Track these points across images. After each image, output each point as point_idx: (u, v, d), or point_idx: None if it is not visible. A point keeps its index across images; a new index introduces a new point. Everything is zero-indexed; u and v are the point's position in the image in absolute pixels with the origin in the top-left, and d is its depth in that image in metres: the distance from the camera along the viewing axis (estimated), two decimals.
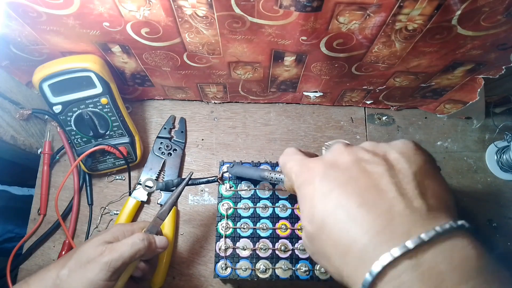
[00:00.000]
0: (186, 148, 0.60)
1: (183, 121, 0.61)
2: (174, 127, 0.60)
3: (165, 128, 0.60)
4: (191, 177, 0.45)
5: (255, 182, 0.50)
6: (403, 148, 0.27)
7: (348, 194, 0.25)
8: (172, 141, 0.59)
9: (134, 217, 0.56)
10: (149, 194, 0.56)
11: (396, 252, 0.21)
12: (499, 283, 0.20)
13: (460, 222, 0.22)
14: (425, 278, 0.20)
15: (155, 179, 0.56)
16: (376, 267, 0.21)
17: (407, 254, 0.21)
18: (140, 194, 0.56)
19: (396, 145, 0.27)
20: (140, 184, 0.56)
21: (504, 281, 0.20)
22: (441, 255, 0.21)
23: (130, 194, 0.56)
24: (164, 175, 0.57)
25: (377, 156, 0.26)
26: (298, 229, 0.47)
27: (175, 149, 0.59)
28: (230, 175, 0.49)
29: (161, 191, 0.56)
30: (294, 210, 0.48)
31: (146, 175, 0.57)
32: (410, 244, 0.21)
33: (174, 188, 0.55)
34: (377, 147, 0.28)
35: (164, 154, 0.58)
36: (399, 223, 0.22)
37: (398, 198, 0.23)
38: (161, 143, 0.59)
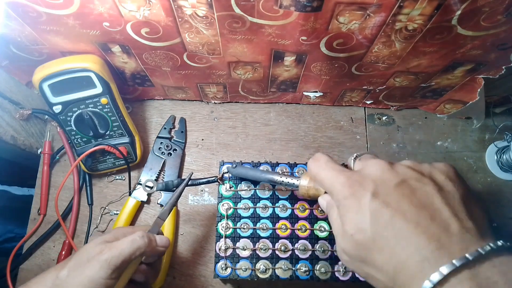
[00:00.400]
0: (186, 148, 0.60)
1: (183, 121, 0.61)
2: (174, 127, 0.61)
3: (165, 128, 0.60)
4: (191, 178, 0.45)
5: (255, 182, 0.50)
6: (448, 172, 0.29)
7: (403, 212, 0.27)
8: (172, 141, 0.59)
9: (134, 217, 0.56)
10: (149, 194, 0.56)
11: (457, 262, 0.23)
12: None
13: (508, 243, 0.24)
14: (481, 286, 0.22)
15: (155, 179, 0.57)
16: (436, 277, 0.23)
17: (466, 265, 0.23)
18: (140, 194, 0.56)
19: (440, 168, 0.29)
20: (140, 184, 0.56)
21: None
22: (495, 268, 0.23)
23: (130, 194, 0.56)
24: (164, 175, 0.57)
25: (425, 176, 0.28)
26: (298, 229, 0.47)
27: (175, 149, 0.59)
28: (230, 175, 0.49)
29: (161, 191, 0.56)
30: (294, 210, 0.48)
31: (146, 175, 0.57)
32: (469, 256, 0.23)
33: (174, 188, 0.54)
34: (422, 167, 0.29)
35: (164, 154, 0.58)
36: (456, 241, 0.25)
37: (453, 219, 0.26)
38: (161, 143, 0.59)
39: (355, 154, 0.36)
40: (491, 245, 0.24)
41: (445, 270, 0.23)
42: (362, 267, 0.29)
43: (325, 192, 0.35)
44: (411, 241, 0.25)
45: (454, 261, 0.23)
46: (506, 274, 0.23)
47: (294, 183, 0.40)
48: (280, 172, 0.49)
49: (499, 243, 0.24)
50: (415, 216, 0.26)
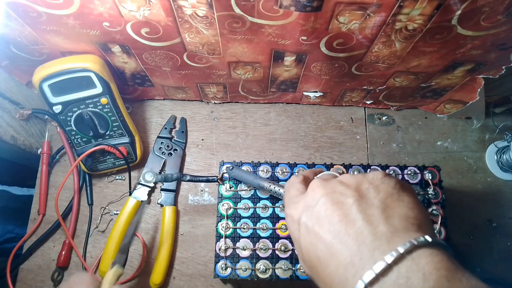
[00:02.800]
0: (186, 148, 0.60)
1: (183, 121, 0.61)
2: (174, 127, 0.60)
3: (165, 128, 0.60)
4: (191, 174, 0.46)
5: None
6: (373, 178, 0.29)
7: (324, 229, 0.27)
8: (172, 141, 0.59)
9: (134, 217, 0.56)
10: (149, 194, 0.56)
11: (368, 277, 0.22)
12: None
13: (422, 238, 0.23)
14: None
15: (153, 179, 0.57)
16: None
17: (376, 279, 0.22)
18: (140, 193, 0.56)
19: (368, 176, 0.29)
20: (141, 184, 0.56)
21: None
22: (403, 277, 0.21)
23: (130, 194, 0.56)
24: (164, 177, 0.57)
25: (349, 188, 0.28)
26: None
27: (175, 149, 0.59)
28: (229, 176, 0.49)
29: (161, 191, 0.56)
30: None
31: (147, 175, 0.57)
32: (376, 268, 0.22)
33: (173, 181, 0.55)
34: (351, 179, 0.30)
35: (164, 154, 0.58)
36: (366, 250, 0.24)
37: (365, 225, 0.25)
38: (161, 143, 0.59)
39: (320, 174, 0.38)
40: (399, 248, 0.22)
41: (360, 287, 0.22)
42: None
43: None
44: (330, 259, 0.25)
45: (364, 277, 0.22)
46: (412, 284, 0.21)
47: (281, 193, 0.41)
48: (280, 173, 0.50)
49: (408, 243, 0.22)
50: (333, 230, 0.26)
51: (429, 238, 0.23)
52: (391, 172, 0.50)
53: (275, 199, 0.49)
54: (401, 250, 0.22)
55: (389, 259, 0.22)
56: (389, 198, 0.27)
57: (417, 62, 0.46)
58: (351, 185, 0.29)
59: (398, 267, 0.22)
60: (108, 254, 0.52)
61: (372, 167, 0.50)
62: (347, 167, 0.50)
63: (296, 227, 0.30)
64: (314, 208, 0.29)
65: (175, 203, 0.56)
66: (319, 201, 0.29)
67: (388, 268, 0.22)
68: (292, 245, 0.47)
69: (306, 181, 0.35)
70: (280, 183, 0.47)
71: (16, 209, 0.67)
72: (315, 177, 0.33)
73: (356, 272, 0.23)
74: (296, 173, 0.50)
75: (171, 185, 0.56)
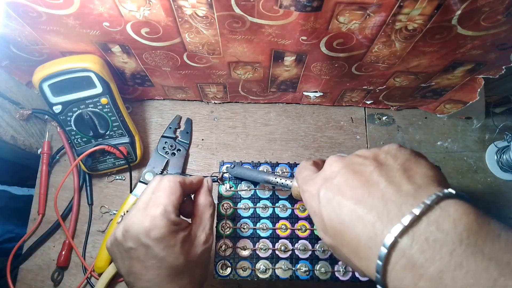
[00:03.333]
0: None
1: (189, 121, 0.61)
2: (179, 127, 0.60)
3: (170, 128, 0.60)
4: (191, 175, 0.46)
5: (255, 182, 0.50)
6: (389, 149, 0.30)
7: (346, 196, 0.27)
8: (176, 141, 0.59)
9: None
10: None
11: (396, 231, 0.23)
12: (493, 239, 0.21)
13: (446, 191, 0.24)
14: (424, 251, 0.22)
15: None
16: (383, 253, 0.23)
17: (405, 232, 0.22)
18: (140, 192, 0.56)
19: (384, 148, 0.30)
20: (142, 182, 0.56)
21: (497, 234, 0.21)
22: (433, 225, 0.22)
23: (131, 192, 0.56)
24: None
25: (367, 159, 0.29)
26: (298, 229, 0.47)
27: (179, 149, 0.59)
28: (230, 175, 0.49)
29: None
30: (294, 210, 0.48)
31: (149, 173, 0.57)
32: (405, 221, 0.23)
33: None
34: (368, 152, 0.30)
35: (168, 153, 0.58)
36: (392, 207, 0.24)
37: (388, 186, 0.26)
38: (165, 142, 0.59)
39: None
40: (426, 201, 0.23)
41: (387, 243, 0.23)
42: (346, 262, 0.30)
43: None
44: (356, 223, 0.26)
45: (392, 230, 0.23)
46: (444, 229, 0.22)
47: (287, 184, 0.42)
48: (280, 172, 0.50)
49: (433, 195, 0.23)
50: (355, 196, 0.27)
51: (452, 191, 0.24)
52: None
53: (275, 199, 0.49)
54: (428, 201, 0.23)
55: (417, 211, 0.23)
56: (407, 162, 0.28)
57: (417, 62, 0.46)
58: (368, 156, 0.29)
59: (427, 217, 0.22)
60: (106, 249, 0.52)
61: None
62: None
63: (316, 201, 0.30)
64: (333, 179, 0.29)
65: None
66: (338, 173, 0.29)
67: (417, 219, 0.23)
68: (292, 245, 0.47)
69: (316, 165, 0.36)
70: (281, 179, 0.46)
71: (16, 209, 0.67)
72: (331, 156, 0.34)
73: (385, 227, 0.24)
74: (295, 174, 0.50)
75: None
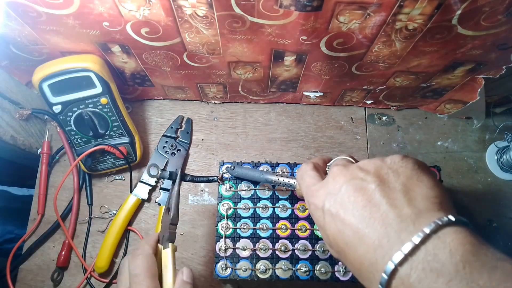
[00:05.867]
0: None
1: (189, 122, 0.61)
2: (181, 127, 0.60)
3: (171, 128, 0.60)
4: (192, 174, 0.46)
5: (255, 182, 0.50)
6: (392, 163, 0.29)
7: (350, 215, 0.28)
8: (177, 141, 0.59)
9: (134, 215, 0.56)
10: (150, 192, 0.56)
11: (396, 258, 0.23)
12: (491, 271, 0.21)
13: (445, 218, 0.24)
14: (421, 278, 0.22)
15: (157, 179, 0.56)
16: (383, 277, 0.24)
17: (405, 259, 0.23)
18: (141, 191, 0.56)
19: (386, 161, 0.30)
20: (143, 182, 0.56)
21: (496, 267, 0.21)
22: (431, 254, 0.23)
23: (131, 192, 0.56)
24: None
25: (369, 174, 0.29)
26: (298, 230, 0.47)
27: (179, 149, 0.59)
28: (230, 175, 0.49)
29: (160, 190, 0.56)
30: (294, 210, 0.48)
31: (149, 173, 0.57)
32: (405, 249, 0.23)
33: (176, 179, 0.54)
34: (371, 165, 0.30)
35: (168, 153, 0.58)
36: (393, 232, 0.25)
37: (389, 209, 0.26)
38: (166, 142, 0.59)
39: (328, 164, 0.39)
40: (425, 229, 0.23)
41: (389, 269, 0.23)
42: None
43: None
44: (358, 243, 0.26)
45: (393, 258, 0.23)
46: (440, 260, 0.22)
47: (291, 184, 0.41)
48: (280, 172, 0.49)
49: (432, 224, 0.23)
50: (358, 216, 0.27)
51: (452, 218, 0.24)
52: None
53: (275, 199, 0.49)
54: (427, 230, 0.23)
55: (416, 239, 0.23)
56: (409, 180, 0.28)
57: (417, 62, 0.46)
58: (370, 170, 0.29)
59: (426, 246, 0.23)
60: (106, 249, 0.52)
61: None
62: None
63: (320, 215, 0.30)
64: (336, 195, 0.29)
65: None
66: (341, 188, 0.29)
67: (416, 248, 0.23)
68: (292, 245, 0.47)
69: (317, 168, 0.36)
70: (284, 178, 0.46)
71: (16, 209, 0.67)
72: (334, 165, 0.34)
73: (386, 254, 0.24)
74: (297, 173, 0.50)
75: (170, 185, 0.56)
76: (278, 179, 0.43)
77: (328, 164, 0.39)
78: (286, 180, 0.42)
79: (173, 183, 0.43)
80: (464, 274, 0.21)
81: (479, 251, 0.22)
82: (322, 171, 0.37)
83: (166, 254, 0.37)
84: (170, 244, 0.37)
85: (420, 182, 0.27)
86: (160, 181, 0.57)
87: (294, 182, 0.41)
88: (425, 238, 0.23)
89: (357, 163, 0.32)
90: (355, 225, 0.27)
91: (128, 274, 0.34)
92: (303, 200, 0.49)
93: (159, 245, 0.38)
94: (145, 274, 0.33)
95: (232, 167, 0.48)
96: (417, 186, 0.27)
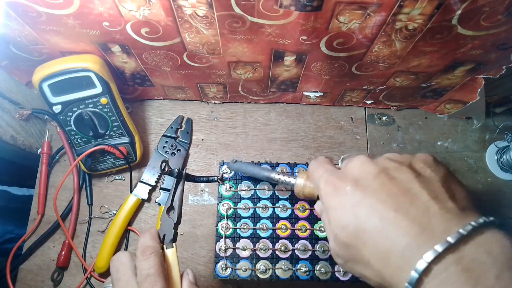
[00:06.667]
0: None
1: (189, 121, 0.61)
2: (181, 127, 0.60)
3: (171, 128, 0.60)
4: (192, 174, 0.45)
5: (255, 182, 0.50)
6: (426, 159, 0.29)
7: (382, 200, 0.26)
8: (177, 141, 0.59)
9: (134, 215, 0.56)
10: (150, 192, 0.56)
11: (439, 248, 0.22)
12: None
13: (491, 218, 0.24)
14: (469, 270, 0.21)
15: (157, 179, 0.57)
16: (421, 265, 0.23)
17: (450, 249, 0.22)
18: (141, 191, 0.56)
19: (418, 156, 0.29)
20: (142, 181, 0.56)
21: None
22: (481, 247, 0.22)
23: (131, 192, 0.56)
24: (165, 175, 0.57)
25: (403, 165, 0.28)
26: (298, 230, 0.47)
27: (179, 149, 0.59)
28: (230, 175, 0.49)
29: (160, 190, 0.56)
30: (294, 210, 0.48)
31: (149, 173, 0.57)
32: (451, 239, 0.22)
33: (176, 177, 0.54)
34: (401, 157, 0.30)
35: (168, 153, 0.58)
36: (437, 222, 0.24)
37: (432, 201, 0.25)
38: (166, 142, 0.59)
39: (343, 156, 0.38)
40: (473, 223, 0.23)
41: (429, 256, 0.22)
42: (353, 266, 0.29)
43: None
44: (392, 229, 0.25)
45: (436, 247, 0.22)
46: (493, 252, 0.22)
47: (290, 182, 0.41)
48: (280, 171, 0.49)
49: (481, 220, 0.23)
50: (394, 203, 0.26)
51: (496, 220, 0.24)
52: None
53: (275, 199, 0.49)
54: (475, 224, 0.23)
55: (464, 231, 0.23)
56: (448, 178, 0.27)
57: (417, 62, 0.46)
58: (403, 162, 0.29)
59: (474, 239, 0.23)
60: (106, 249, 0.52)
61: None
62: None
63: (342, 195, 0.29)
64: (365, 180, 0.28)
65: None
66: (371, 174, 0.28)
67: (464, 240, 0.22)
68: (292, 245, 0.47)
69: (332, 162, 0.35)
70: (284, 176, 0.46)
71: (16, 209, 0.67)
72: (353, 156, 0.33)
73: (429, 241, 0.23)
74: (296, 173, 0.50)
75: (170, 185, 0.56)
76: (278, 175, 0.42)
77: (342, 157, 0.37)
78: (286, 177, 0.41)
79: (176, 182, 0.43)
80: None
81: None
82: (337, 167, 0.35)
83: (171, 254, 0.37)
84: (174, 244, 0.37)
85: (457, 182, 0.28)
86: (160, 181, 0.57)
87: (293, 180, 0.41)
88: (474, 232, 0.23)
89: (384, 154, 0.31)
90: (391, 211, 0.25)
91: (133, 273, 0.33)
92: (303, 200, 0.49)
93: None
94: (158, 274, 0.32)
95: (234, 160, 0.48)
96: (455, 185, 0.27)
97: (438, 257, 0.22)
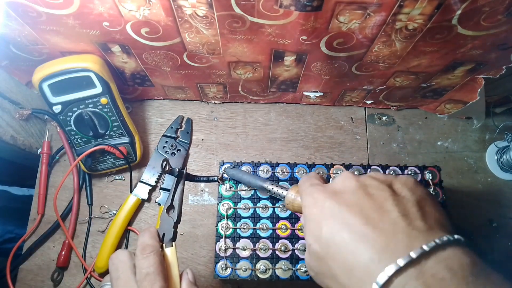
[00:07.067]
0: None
1: (189, 122, 0.61)
2: (181, 127, 0.60)
3: (171, 128, 0.60)
4: (192, 174, 0.45)
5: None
6: (406, 181, 0.30)
7: (354, 214, 0.27)
8: (177, 141, 0.59)
9: (134, 215, 0.56)
10: (150, 192, 0.56)
11: (401, 262, 0.23)
12: (492, 284, 0.22)
13: (456, 236, 0.24)
14: (428, 285, 0.22)
15: (157, 178, 0.57)
16: (382, 278, 0.23)
17: (411, 264, 0.23)
18: (141, 191, 0.56)
19: (400, 178, 0.30)
20: (142, 181, 0.56)
21: (497, 282, 0.22)
22: (441, 263, 0.23)
23: (131, 192, 0.56)
24: (165, 176, 0.57)
25: (382, 184, 0.29)
26: (298, 229, 0.47)
27: (179, 149, 0.59)
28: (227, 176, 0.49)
29: (160, 190, 0.56)
30: None
31: (149, 173, 0.57)
32: (413, 254, 0.23)
33: (176, 176, 0.54)
34: (384, 177, 0.31)
35: (168, 153, 0.58)
36: (402, 238, 0.25)
37: (401, 218, 0.26)
38: (166, 142, 0.59)
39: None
40: (437, 240, 0.24)
41: (390, 270, 0.23)
42: (323, 279, 0.29)
43: None
44: (359, 243, 0.26)
45: (398, 261, 0.23)
46: (452, 268, 0.22)
47: (282, 194, 0.41)
48: (280, 173, 0.50)
49: (445, 238, 0.24)
50: (365, 218, 0.27)
51: (461, 238, 0.25)
52: (391, 172, 0.50)
53: (275, 199, 0.49)
54: (439, 241, 0.24)
55: (427, 248, 0.23)
56: (423, 200, 0.28)
57: (417, 62, 0.46)
58: (383, 181, 0.30)
59: (436, 255, 0.23)
60: (106, 249, 0.52)
61: (372, 167, 0.50)
62: (347, 167, 0.50)
63: (318, 208, 0.30)
64: (344, 194, 0.29)
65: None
66: (350, 190, 0.29)
67: (426, 255, 0.23)
68: (292, 245, 0.47)
69: (324, 180, 0.36)
70: (280, 183, 0.47)
71: (16, 209, 0.67)
72: (341, 173, 0.34)
73: (392, 255, 0.24)
74: (296, 173, 0.50)
75: (170, 185, 0.56)
76: (271, 186, 0.42)
77: (334, 175, 0.38)
78: (278, 189, 0.41)
79: (176, 181, 0.43)
80: (473, 280, 0.22)
81: (485, 268, 0.23)
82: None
83: (171, 253, 0.36)
84: (173, 243, 0.37)
85: (432, 205, 0.28)
86: (160, 181, 0.57)
87: (284, 192, 0.40)
88: (436, 248, 0.23)
89: (369, 173, 0.32)
90: (362, 224, 0.26)
91: (132, 272, 0.33)
92: (292, 212, 0.48)
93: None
94: (158, 273, 0.32)
95: (232, 166, 0.48)
96: (429, 207, 0.28)
97: (399, 271, 0.23)
